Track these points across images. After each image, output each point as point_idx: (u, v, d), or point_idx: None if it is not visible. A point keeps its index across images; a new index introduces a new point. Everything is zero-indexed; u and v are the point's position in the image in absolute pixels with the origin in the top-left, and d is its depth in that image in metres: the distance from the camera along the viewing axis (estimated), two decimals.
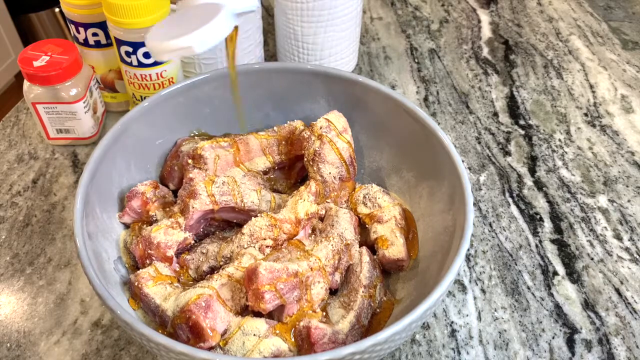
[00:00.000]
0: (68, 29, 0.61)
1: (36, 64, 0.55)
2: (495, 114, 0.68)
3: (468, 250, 0.54)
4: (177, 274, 0.45)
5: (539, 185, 0.60)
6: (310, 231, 0.48)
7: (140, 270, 0.44)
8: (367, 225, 0.50)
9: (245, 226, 0.46)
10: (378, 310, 0.45)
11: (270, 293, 0.39)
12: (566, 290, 0.51)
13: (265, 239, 0.46)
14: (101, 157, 0.45)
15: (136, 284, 0.43)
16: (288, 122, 0.54)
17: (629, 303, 0.51)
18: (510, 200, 0.59)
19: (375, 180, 0.54)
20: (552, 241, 0.55)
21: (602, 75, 0.74)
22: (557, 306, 0.50)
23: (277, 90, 0.55)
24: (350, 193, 0.52)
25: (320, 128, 0.49)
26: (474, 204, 0.58)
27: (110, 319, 0.48)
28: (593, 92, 0.72)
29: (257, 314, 0.41)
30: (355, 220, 0.49)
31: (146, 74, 0.57)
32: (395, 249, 0.47)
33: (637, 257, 0.54)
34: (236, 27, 0.44)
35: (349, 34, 0.66)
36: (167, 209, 0.48)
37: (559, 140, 0.65)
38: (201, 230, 0.49)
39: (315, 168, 0.50)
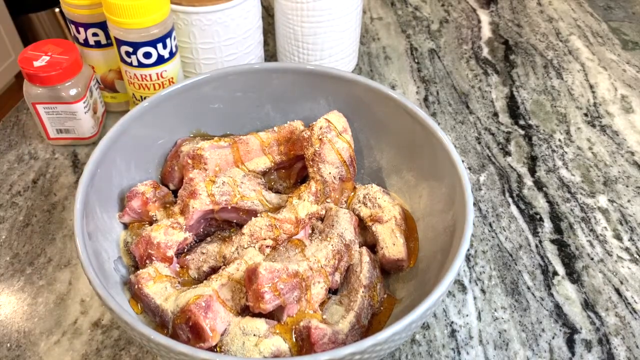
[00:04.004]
0: (68, 29, 0.61)
1: (36, 64, 0.55)
2: (495, 114, 0.68)
3: (468, 250, 0.54)
4: (178, 274, 0.45)
5: (539, 185, 0.60)
6: (310, 231, 0.48)
7: (140, 270, 0.44)
8: (367, 225, 0.50)
9: (245, 226, 0.46)
10: (380, 309, 0.45)
11: (270, 293, 0.39)
12: (566, 290, 0.51)
13: (265, 239, 0.46)
14: (101, 157, 0.45)
15: (136, 284, 0.43)
16: (288, 122, 0.54)
17: (628, 303, 0.51)
18: (510, 200, 0.59)
19: (375, 180, 0.54)
20: (552, 241, 0.55)
21: (602, 76, 0.74)
22: (557, 306, 0.50)
23: (277, 90, 0.55)
24: (350, 193, 0.52)
25: (320, 128, 0.49)
26: (474, 204, 0.58)
27: (111, 319, 0.48)
28: (593, 92, 0.72)
29: (257, 314, 0.41)
30: (355, 220, 0.49)
31: (146, 74, 0.57)
32: (395, 249, 0.47)
33: (637, 257, 0.54)
34: None
35: (349, 34, 0.66)
36: (167, 209, 0.48)
37: (559, 140, 0.65)
38: (201, 230, 0.49)
39: (315, 168, 0.50)
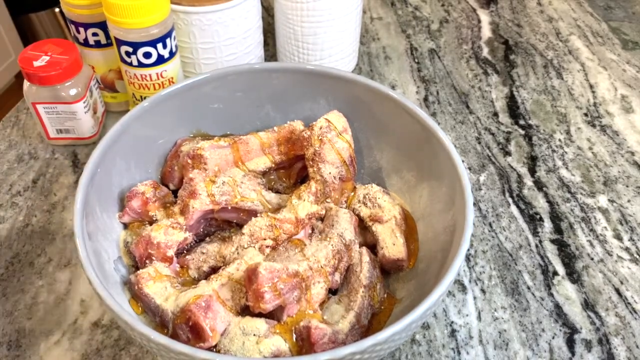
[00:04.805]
0: (68, 29, 0.61)
1: (36, 64, 0.55)
2: (495, 114, 0.68)
3: (468, 250, 0.54)
4: (178, 274, 0.45)
5: (539, 185, 0.60)
6: (310, 231, 0.48)
7: (140, 270, 0.44)
8: (367, 225, 0.50)
9: (245, 226, 0.46)
10: (380, 309, 0.45)
11: (270, 293, 0.39)
12: (566, 290, 0.51)
13: (265, 239, 0.46)
14: (101, 157, 0.45)
15: (136, 284, 0.43)
16: (288, 122, 0.54)
17: (629, 303, 0.51)
18: (510, 200, 0.59)
19: (375, 180, 0.54)
20: (552, 241, 0.55)
21: (602, 75, 0.74)
22: (557, 306, 0.50)
23: (277, 90, 0.55)
24: (350, 193, 0.52)
25: (320, 128, 0.49)
26: (474, 204, 0.58)
27: (110, 319, 0.48)
28: (593, 92, 0.72)
29: (257, 314, 0.41)
30: (355, 220, 0.49)
31: (146, 74, 0.57)
32: (395, 248, 0.47)
33: (637, 257, 0.54)
34: None
35: (348, 34, 0.66)
36: (167, 209, 0.48)
37: (559, 140, 0.65)
38: (201, 230, 0.49)
39: (315, 168, 0.50)
